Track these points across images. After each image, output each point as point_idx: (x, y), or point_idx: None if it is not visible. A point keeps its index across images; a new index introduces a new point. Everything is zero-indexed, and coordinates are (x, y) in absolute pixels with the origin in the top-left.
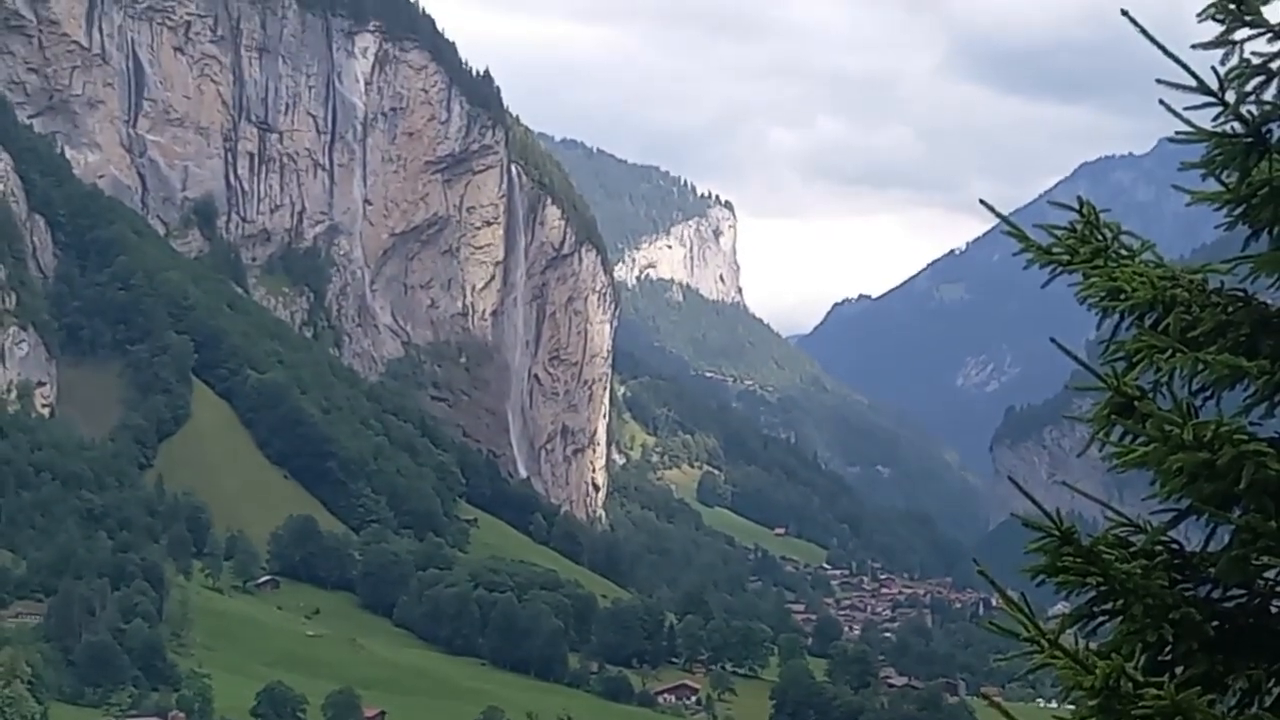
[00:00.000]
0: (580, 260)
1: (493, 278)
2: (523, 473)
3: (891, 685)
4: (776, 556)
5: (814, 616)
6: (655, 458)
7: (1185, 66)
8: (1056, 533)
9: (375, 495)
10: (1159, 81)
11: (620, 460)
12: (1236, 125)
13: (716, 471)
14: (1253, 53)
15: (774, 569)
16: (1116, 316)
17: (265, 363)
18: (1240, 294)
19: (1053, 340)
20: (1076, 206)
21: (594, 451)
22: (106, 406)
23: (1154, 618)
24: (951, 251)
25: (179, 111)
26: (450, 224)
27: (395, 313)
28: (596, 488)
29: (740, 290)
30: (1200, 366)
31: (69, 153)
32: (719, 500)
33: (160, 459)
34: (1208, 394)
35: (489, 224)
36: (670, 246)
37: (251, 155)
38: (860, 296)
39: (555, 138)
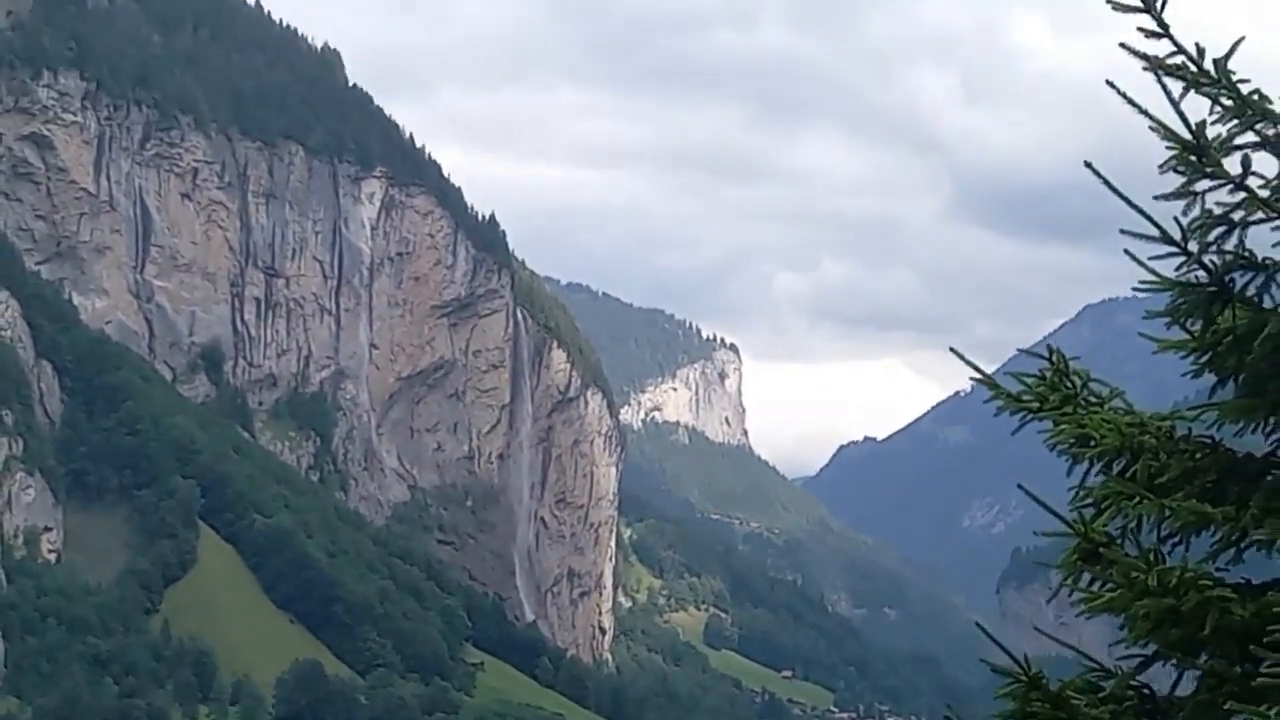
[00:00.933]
0: (586, 403)
1: (499, 421)
2: (529, 616)
3: None
4: (784, 699)
5: None
6: (661, 600)
7: (1148, 217)
8: (1024, 678)
9: (381, 639)
10: (1123, 231)
11: (627, 603)
12: (1200, 274)
13: (723, 614)
14: (1215, 203)
15: (781, 712)
16: (1086, 463)
17: (272, 507)
18: (1208, 440)
19: (1020, 487)
20: (1047, 355)
21: (600, 594)
22: (112, 551)
23: None
24: (956, 393)
25: (186, 257)
26: (456, 368)
27: (401, 456)
28: (603, 630)
29: (746, 432)
30: (1167, 513)
31: (76, 299)
32: (726, 642)
33: (166, 604)
34: (1176, 540)
35: (495, 367)
36: (676, 389)
37: (258, 300)
38: (865, 438)
39: (561, 281)
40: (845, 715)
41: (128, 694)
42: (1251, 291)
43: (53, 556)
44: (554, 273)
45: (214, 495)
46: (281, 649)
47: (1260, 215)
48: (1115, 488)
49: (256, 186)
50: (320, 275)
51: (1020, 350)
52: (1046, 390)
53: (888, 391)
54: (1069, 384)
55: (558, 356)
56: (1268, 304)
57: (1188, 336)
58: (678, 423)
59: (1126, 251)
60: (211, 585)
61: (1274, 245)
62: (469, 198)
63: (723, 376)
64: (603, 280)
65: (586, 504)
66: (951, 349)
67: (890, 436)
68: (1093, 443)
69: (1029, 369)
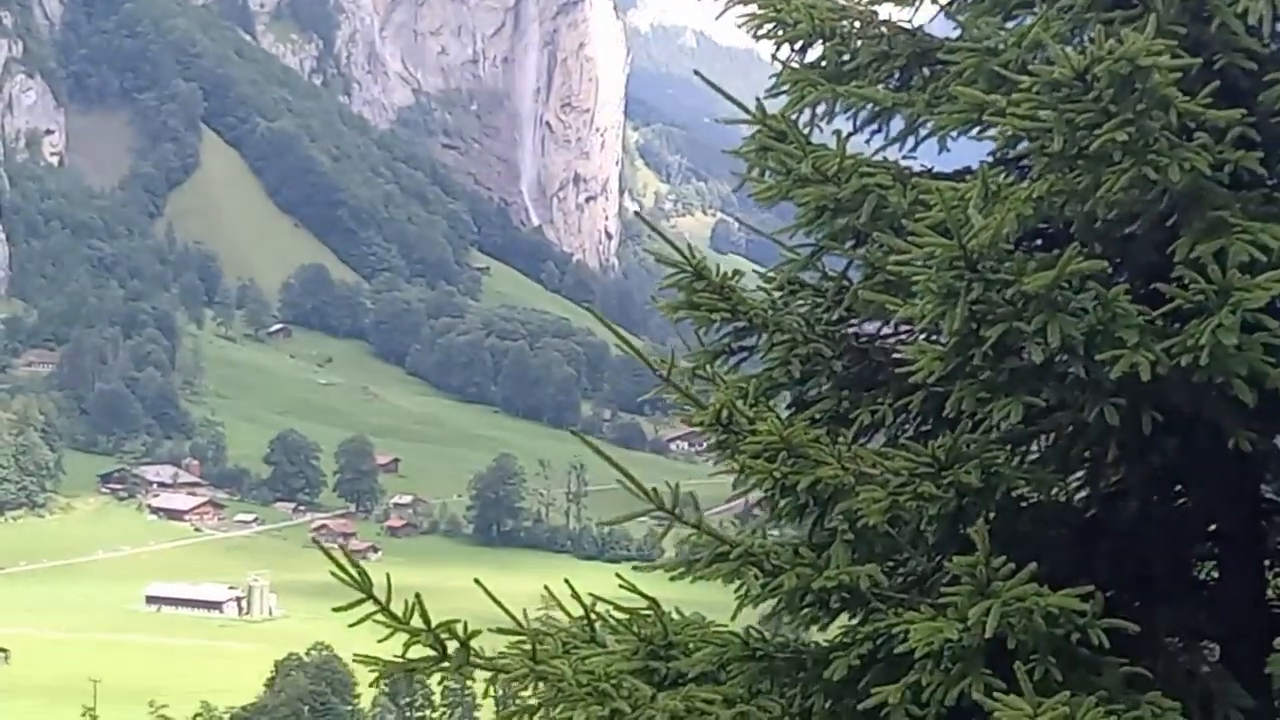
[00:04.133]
0: (592, 5)
1: (503, 24)
2: (535, 220)
3: None
4: None
5: None
6: (669, 204)
7: None
8: (689, 268)
9: (386, 244)
10: None
11: (633, 207)
12: None
13: (730, 219)
14: None
15: None
16: (786, 49)
17: (274, 110)
18: (906, 25)
19: (696, 73)
20: None
21: (606, 198)
22: (115, 155)
23: (782, 352)
24: None
25: None
26: None
27: (405, 59)
28: (609, 235)
29: (757, 37)
30: (839, 100)
31: None
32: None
33: (170, 208)
34: (876, 129)
35: None
36: None
37: None
38: None
39: None
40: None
41: (133, 297)
42: None
43: (55, 160)
44: None
45: (216, 99)
46: (286, 253)
47: None
48: (797, 74)
49: None
50: None
51: None
52: None
53: None
54: None
55: None
56: None
57: None
58: (685, 26)
59: None
60: (215, 189)
61: None
62: None
63: None
64: None
65: (592, 108)
66: None
67: None
68: (786, 28)
69: None
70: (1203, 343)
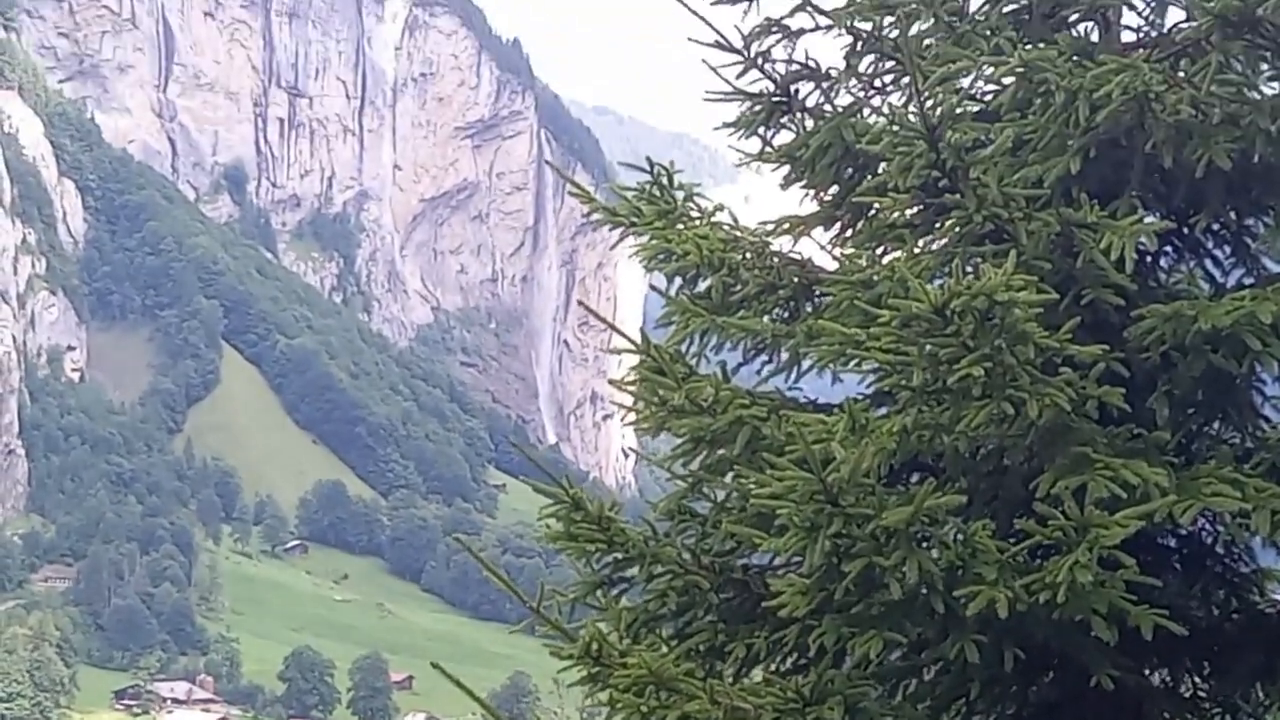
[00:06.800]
0: (611, 226)
1: (522, 243)
2: (552, 438)
3: None
4: None
5: None
6: None
7: (709, 24)
8: (567, 498)
9: (404, 461)
10: (690, 40)
11: None
12: (770, 84)
13: None
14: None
15: None
16: (676, 280)
17: (294, 328)
18: (797, 256)
19: (580, 303)
20: (648, 167)
21: (624, 417)
22: (136, 371)
23: (661, 584)
24: None
25: (209, 77)
26: (480, 189)
27: (425, 278)
28: (626, 454)
29: None
30: (720, 331)
31: (99, 117)
32: None
33: (189, 424)
34: (767, 360)
35: (519, 189)
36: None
37: (281, 120)
38: None
39: (586, 104)
40: None
41: (151, 513)
42: (816, 101)
43: (76, 375)
44: (579, 96)
45: (237, 316)
46: (304, 470)
47: (815, 23)
48: (682, 305)
49: (279, 5)
50: (343, 96)
51: (620, 163)
52: (644, 204)
53: None
54: (669, 199)
55: (582, 179)
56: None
57: (765, 147)
58: None
59: (704, 61)
60: (234, 406)
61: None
62: (491, 19)
63: (748, 200)
64: (628, 104)
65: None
66: (572, 188)
67: None
68: (674, 258)
69: None
70: (1060, 580)
